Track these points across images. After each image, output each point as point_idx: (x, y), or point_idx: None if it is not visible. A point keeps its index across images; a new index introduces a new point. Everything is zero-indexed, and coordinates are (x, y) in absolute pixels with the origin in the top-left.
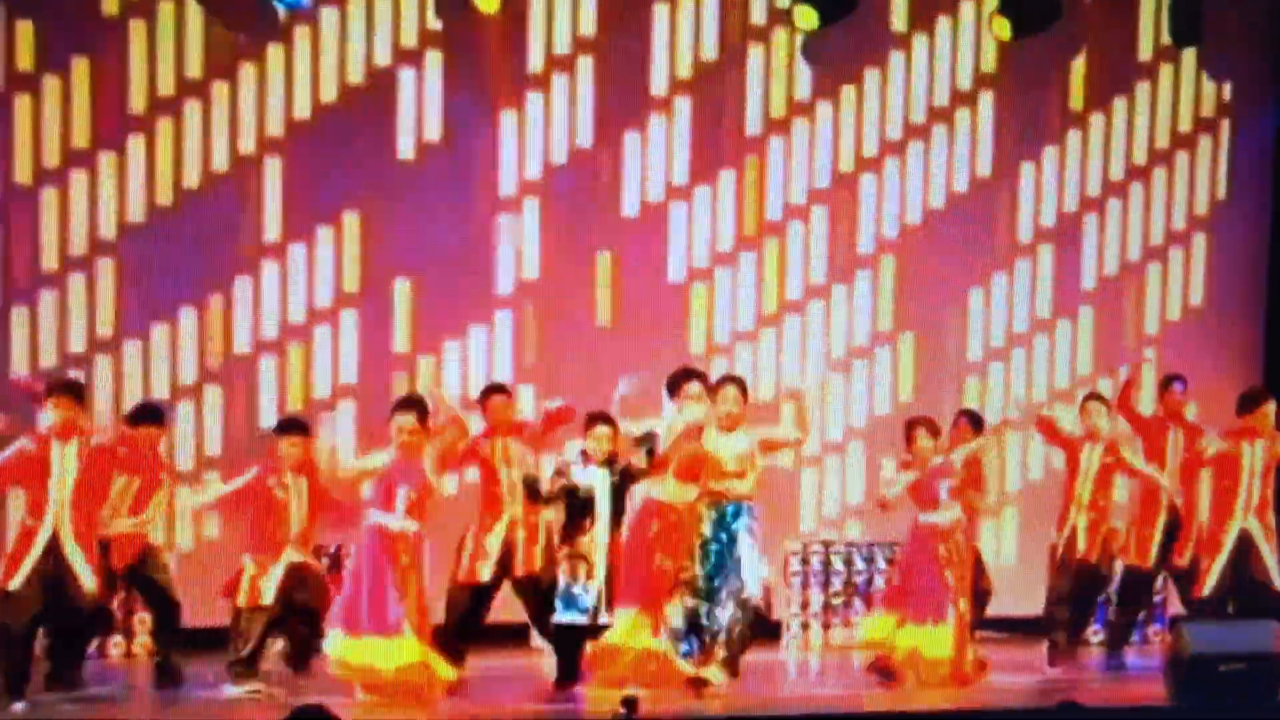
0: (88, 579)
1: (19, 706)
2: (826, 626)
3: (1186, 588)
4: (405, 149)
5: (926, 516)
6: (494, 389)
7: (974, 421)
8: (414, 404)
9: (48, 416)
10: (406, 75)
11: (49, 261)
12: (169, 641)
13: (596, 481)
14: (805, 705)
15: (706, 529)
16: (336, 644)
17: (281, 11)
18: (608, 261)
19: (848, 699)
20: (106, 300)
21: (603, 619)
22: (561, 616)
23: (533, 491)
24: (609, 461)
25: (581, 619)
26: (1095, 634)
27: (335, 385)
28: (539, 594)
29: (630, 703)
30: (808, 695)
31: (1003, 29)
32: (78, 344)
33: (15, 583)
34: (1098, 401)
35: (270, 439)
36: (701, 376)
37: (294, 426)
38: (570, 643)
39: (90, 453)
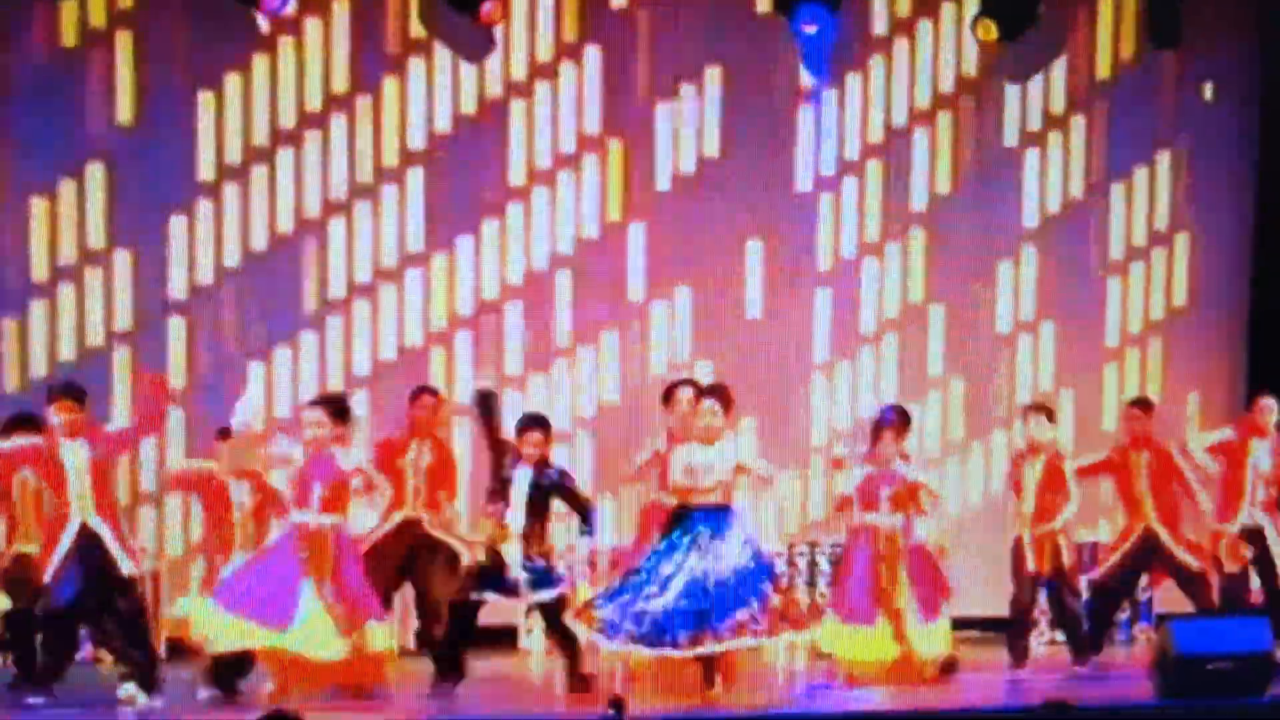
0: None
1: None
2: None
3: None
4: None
5: (864, 517)
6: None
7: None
8: (325, 400)
9: (54, 418)
10: (390, 84)
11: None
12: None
13: (520, 478)
14: (790, 705)
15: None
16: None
17: (263, 22)
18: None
19: (836, 699)
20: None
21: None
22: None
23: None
24: (541, 464)
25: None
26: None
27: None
28: None
29: (617, 704)
30: (792, 695)
31: (988, 31)
32: (66, 352)
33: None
34: (1040, 413)
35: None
36: (694, 384)
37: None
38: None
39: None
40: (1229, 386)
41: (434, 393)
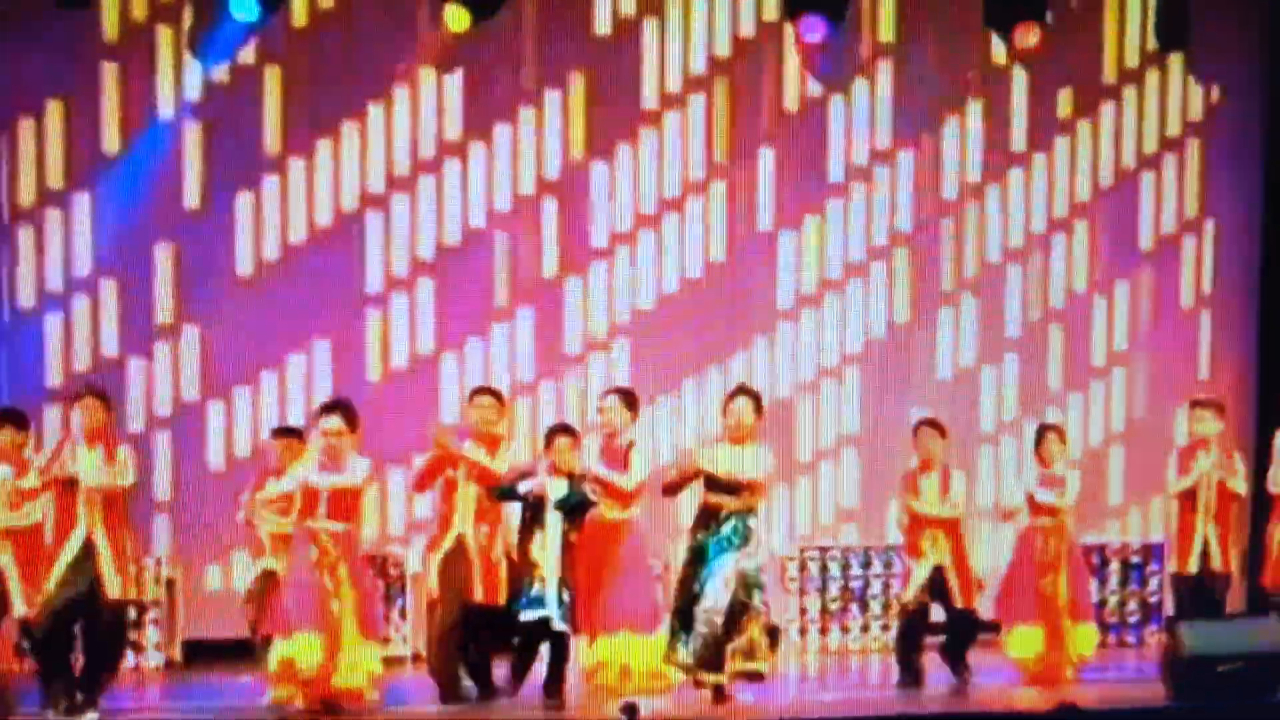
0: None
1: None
2: (824, 632)
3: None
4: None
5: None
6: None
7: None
8: (338, 407)
9: (75, 420)
10: (400, 94)
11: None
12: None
13: (555, 492)
14: (805, 710)
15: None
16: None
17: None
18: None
19: (846, 704)
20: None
21: (558, 626)
22: (527, 615)
23: (505, 495)
24: (570, 475)
25: (543, 614)
26: None
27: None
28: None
29: (630, 709)
30: (806, 700)
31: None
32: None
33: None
34: (1207, 408)
35: None
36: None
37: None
38: (535, 640)
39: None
40: (1238, 382)
41: (493, 392)
